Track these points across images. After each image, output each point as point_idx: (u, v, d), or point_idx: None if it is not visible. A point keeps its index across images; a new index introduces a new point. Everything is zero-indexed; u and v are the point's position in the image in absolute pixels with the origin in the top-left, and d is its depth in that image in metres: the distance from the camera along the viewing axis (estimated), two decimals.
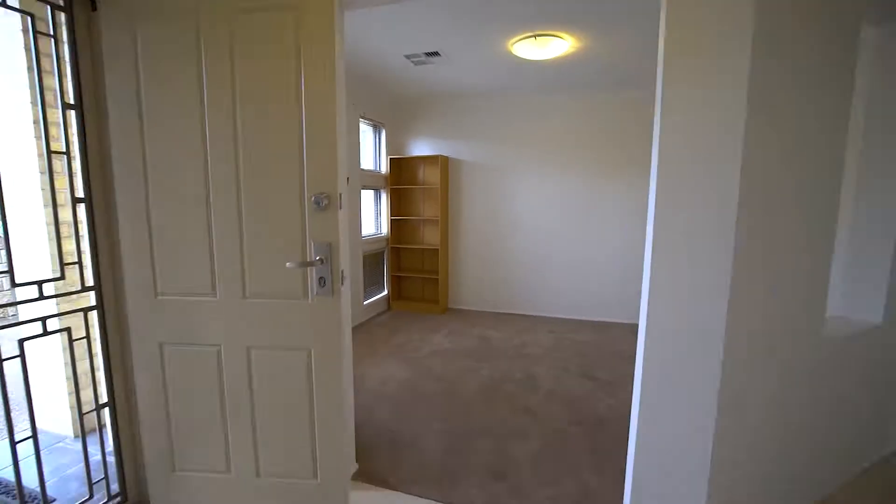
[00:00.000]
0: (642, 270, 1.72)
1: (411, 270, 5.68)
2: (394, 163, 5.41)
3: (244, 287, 1.70)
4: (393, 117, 5.49)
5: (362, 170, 4.91)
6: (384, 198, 5.46)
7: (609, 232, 4.93)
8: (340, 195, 1.64)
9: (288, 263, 1.59)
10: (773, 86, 1.42)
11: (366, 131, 5.18)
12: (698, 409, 1.54)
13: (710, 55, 1.38)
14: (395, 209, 5.51)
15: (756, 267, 1.52)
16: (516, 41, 3.23)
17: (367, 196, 5.27)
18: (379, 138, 5.37)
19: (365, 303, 5.08)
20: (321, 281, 1.65)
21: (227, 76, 1.59)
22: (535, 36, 3.12)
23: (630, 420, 1.79)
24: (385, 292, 5.57)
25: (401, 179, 5.56)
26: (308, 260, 1.65)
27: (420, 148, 5.50)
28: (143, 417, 1.84)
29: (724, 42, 1.36)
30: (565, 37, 3.16)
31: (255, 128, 1.61)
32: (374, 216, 5.44)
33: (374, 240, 5.25)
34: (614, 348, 4.17)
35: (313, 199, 1.60)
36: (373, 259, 5.31)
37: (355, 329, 4.72)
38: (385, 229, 5.51)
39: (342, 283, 1.68)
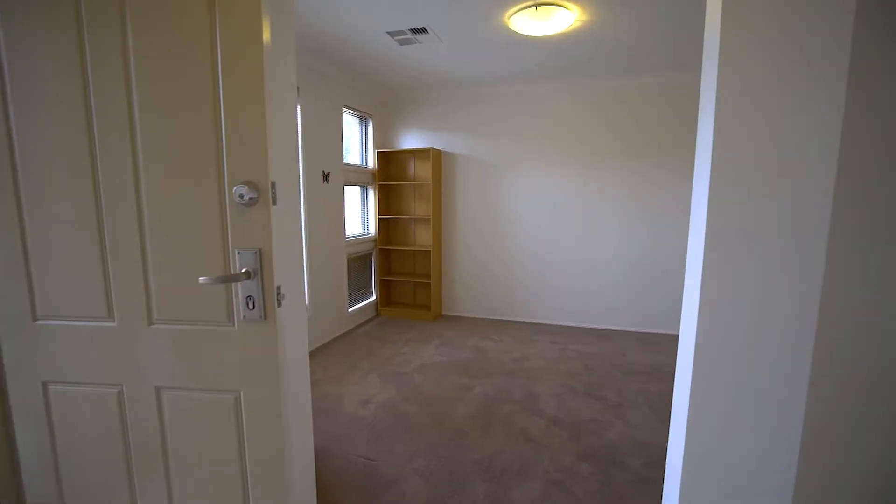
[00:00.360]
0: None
1: (402, 274, 5.26)
2: (382, 157, 4.99)
3: (149, 309, 1.28)
4: (380, 108, 5.06)
5: (346, 164, 4.49)
6: (371, 195, 5.03)
7: (613, 233, 4.50)
8: (274, 185, 1.21)
9: (201, 279, 1.16)
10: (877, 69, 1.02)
11: (350, 123, 4.75)
12: (772, 442, 1.19)
13: (787, 29, 1.01)
14: (383, 207, 5.08)
15: (852, 271, 1.13)
16: (514, 12, 2.80)
17: (352, 193, 4.84)
18: (365, 130, 4.94)
19: (350, 310, 4.66)
20: (249, 301, 1.23)
21: (117, 43, 1.17)
22: (535, 5, 2.69)
23: (668, 461, 1.43)
24: (373, 297, 5.15)
25: (389, 175, 5.13)
26: (229, 273, 1.23)
27: (410, 140, 5.08)
28: (26, 476, 1.42)
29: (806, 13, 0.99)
30: (570, 7, 2.73)
31: (158, 105, 1.19)
32: (360, 215, 5.01)
33: (361, 241, 4.83)
34: (621, 360, 3.75)
35: (234, 190, 1.17)
36: (359, 262, 4.89)
37: (338, 340, 4.30)
38: (372, 229, 5.09)
39: (279, 304, 1.26)
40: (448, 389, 3.19)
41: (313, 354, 3.87)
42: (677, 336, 4.49)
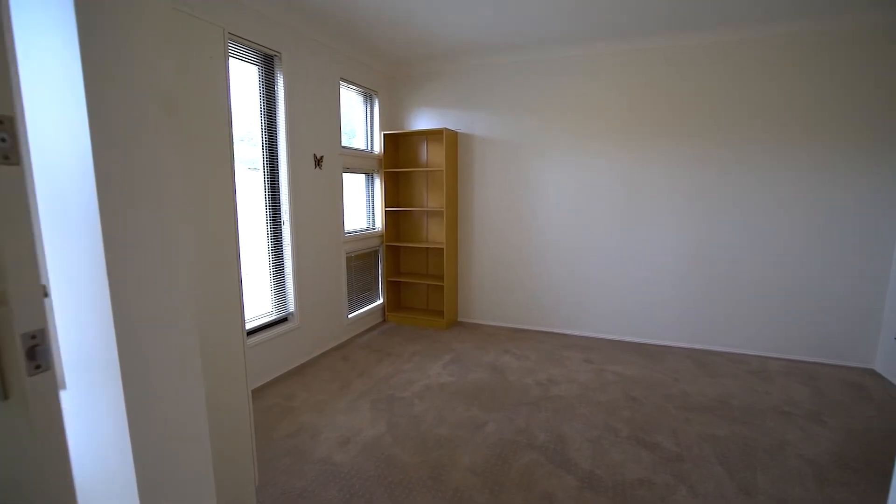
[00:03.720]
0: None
1: (412, 274, 4.63)
2: (389, 140, 4.35)
3: None
4: (388, 83, 4.43)
5: (346, 148, 3.88)
6: (378, 184, 4.41)
7: (664, 229, 3.71)
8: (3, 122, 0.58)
9: None
10: None
11: (353, 102, 4.14)
12: None
13: None
14: (391, 198, 4.45)
15: None
16: None
17: (355, 182, 4.24)
18: (370, 110, 4.32)
19: (350, 316, 4.06)
20: None
21: None
22: None
23: None
24: (380, 301, 4.54)
25: (398, 161, 4.50)
26: None
27: (422, 120, 4.42)
28: None
29: None
30: None
31: None
32: (365, 207, 4.40)
33: (365, 236, 4.22)
34: (674, 389, 2.98)
35: None
36: (363, 260, 4.29)
37: (333, 352, 3.71)
38: (379, 223, 4.47)
39: (38, 367, 0.63)
40: (453, 426, 2.53)
41: (298, 371, 3.29)
42: (742, 356, 3.68)
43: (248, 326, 3.02)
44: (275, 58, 3.06)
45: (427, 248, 4.52)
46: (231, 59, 2.76)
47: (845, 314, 3.35)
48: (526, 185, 4.11)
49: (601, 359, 3.52)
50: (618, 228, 3.85)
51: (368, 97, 4.27)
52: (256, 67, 2.99)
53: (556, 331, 4.18)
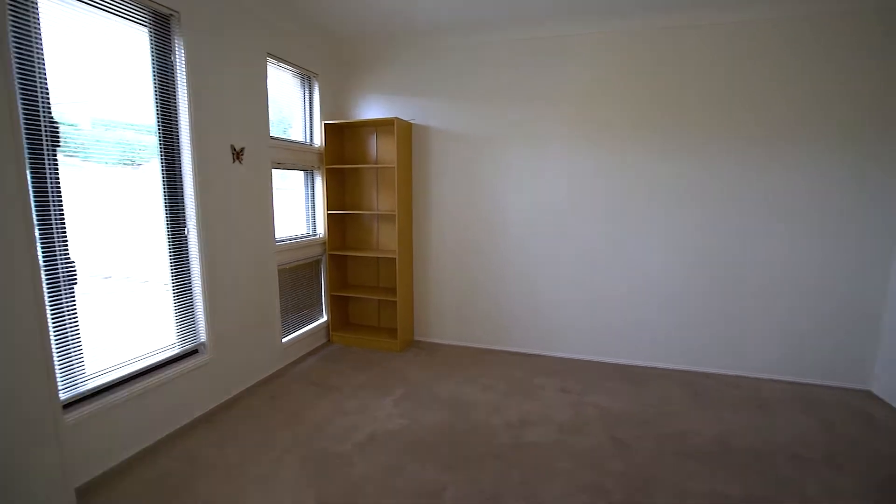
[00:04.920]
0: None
1: (361, 288, 4.00)
2: (332, 131, 3.71)
3: None
4: (330, 64, 3.78)
5: (277, 139, 3.22)
6: (319, 182, 3.76)
7: (650, 233, 3.28)
8: None
9: None
10: None
11: (286, 83, 3.47)
12: None
13: None
14: (335, 199, 3.81)
15: None
16: None
17: (290, 180, 3.57)
18: (309, 95, 3.66)
19: (286, 339, 3.40)
20: None
21: None
22: None
23: None
24: (324, 319, 3.89)
25: (343, 156, 3.86)
26: None
27: (371, 109, 3.81)
28: None
29: None
30: None
31: None
32: (304, 209, 3.74)
33: (304, 244, 3.57)
34: (667, 426, 2.53)
35: None
36: (302, 272, 3.63)
37: (261, 386, 3.03)
38: (321, 229, 3.82)
39: None
40: (402, 495, 1.95)
41: (210, 418, 2.61)
42: (732, 378, 3.08)
43: (142, 365, 2.32)
44: (171, 17, 2.37)
45: (378, 257, 3.91)
46: (106, 16, 2.05)
47: (839, 332, 3.02)
48: (491, 184, 3.58)
49: (580, 387, 3.04)
50: (598, 236, 3.38)
51: (307, 80, 3.61)
52: (146, 29, 2.30)
53: (527, 351, 3.67)
